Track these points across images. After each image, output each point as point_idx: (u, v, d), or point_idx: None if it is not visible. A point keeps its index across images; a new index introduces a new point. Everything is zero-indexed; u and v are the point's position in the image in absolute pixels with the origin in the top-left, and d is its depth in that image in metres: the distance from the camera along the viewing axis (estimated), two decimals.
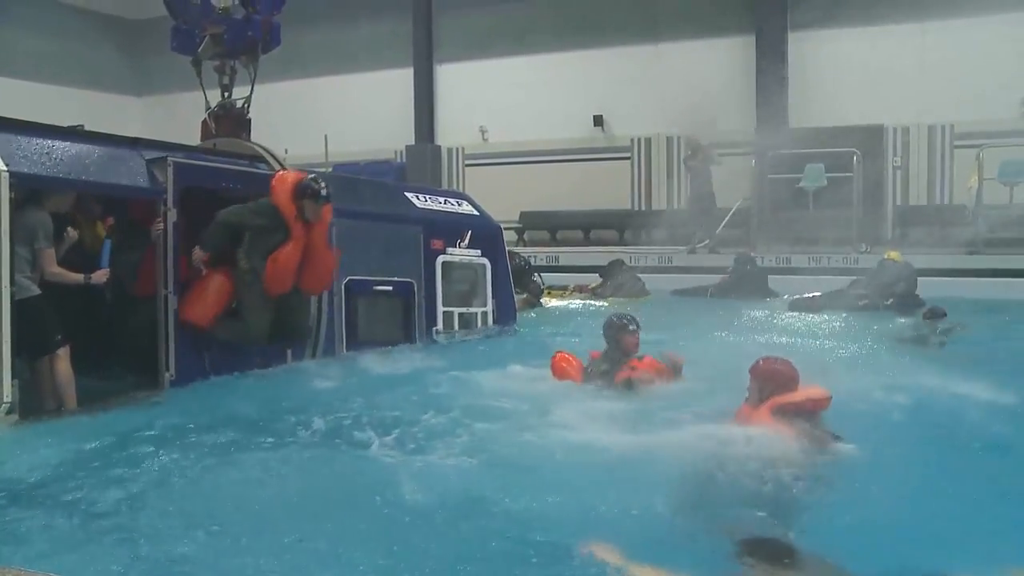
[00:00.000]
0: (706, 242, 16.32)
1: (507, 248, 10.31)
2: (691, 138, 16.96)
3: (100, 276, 6.45)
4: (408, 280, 8.53)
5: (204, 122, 8.36)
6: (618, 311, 6.98)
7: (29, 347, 6.27)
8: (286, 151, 21.78)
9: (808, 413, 5.02)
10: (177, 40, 8.28)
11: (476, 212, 9.81)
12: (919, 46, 16.39)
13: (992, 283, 13.48)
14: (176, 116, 20.38)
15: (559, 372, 6.71)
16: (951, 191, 16.71)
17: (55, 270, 6.20)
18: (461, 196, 10.09)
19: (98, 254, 6.55)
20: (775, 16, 17.57)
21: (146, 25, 22.79)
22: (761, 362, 5.27)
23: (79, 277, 6.36)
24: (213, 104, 8.40)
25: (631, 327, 6.56)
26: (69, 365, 6.32)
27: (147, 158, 6.87)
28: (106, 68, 23.76)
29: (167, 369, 6.73)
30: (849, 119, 16.53)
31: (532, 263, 14.64)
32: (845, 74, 16.71)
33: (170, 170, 6.72)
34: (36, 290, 6.12)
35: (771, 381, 5.15)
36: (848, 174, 15.58)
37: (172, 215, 6.71)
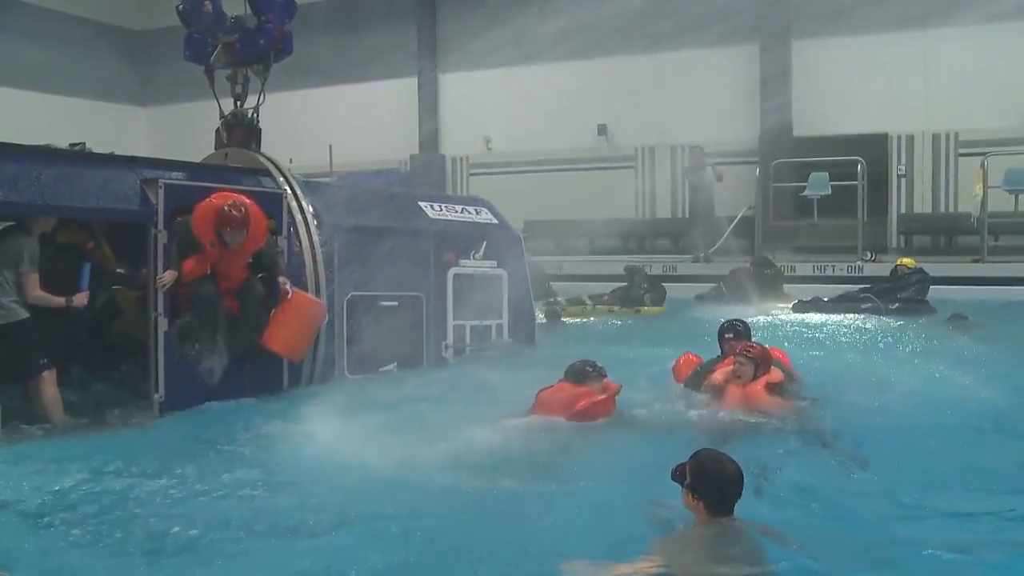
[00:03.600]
0: (711, 250, 16.31)
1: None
2: (695, 148, 17.01)
3: (81, 299, 6.44)
4: (416, 294, 8.29)
5: (217, 132, 8.34)
6: (731, 318, 7.21)
7: (15, 371, 6.29)
8: (291, 161, 21.93)
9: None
10: (190, 50, 8.27)
11: (495, 220, 9.47)
12: (923, 54, 16.41)
13: (997, 291, 13.45)
14: (182, 126, 20.44)
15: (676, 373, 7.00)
16: (955, 199, 16.69)
17: (38, 293, 6.21)
18: (480, 203, 9.73)
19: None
20: (779, 25, 17.63)
21: (151, 35, 22.89)
22: (756, 347, 6.45)
23: (61, 300, 6.35)
24: (226, 113, 8.37)
25: (727, 334, 6.94)
26: (55, 387, 6.30)
27: (142, 178, 6.75)
28: (111, 78, 23.82)
29: (156, 391, 6.60)
30: (853, 127, 16.59)
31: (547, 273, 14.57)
32: (849, 83, 16.72)
33: (161, 192, 6.60)
34: (23, 314, 6.15)
35: (764, 363, 6.28)
36: (852, 182, 15.58)
37: (163, 237, 6.62)
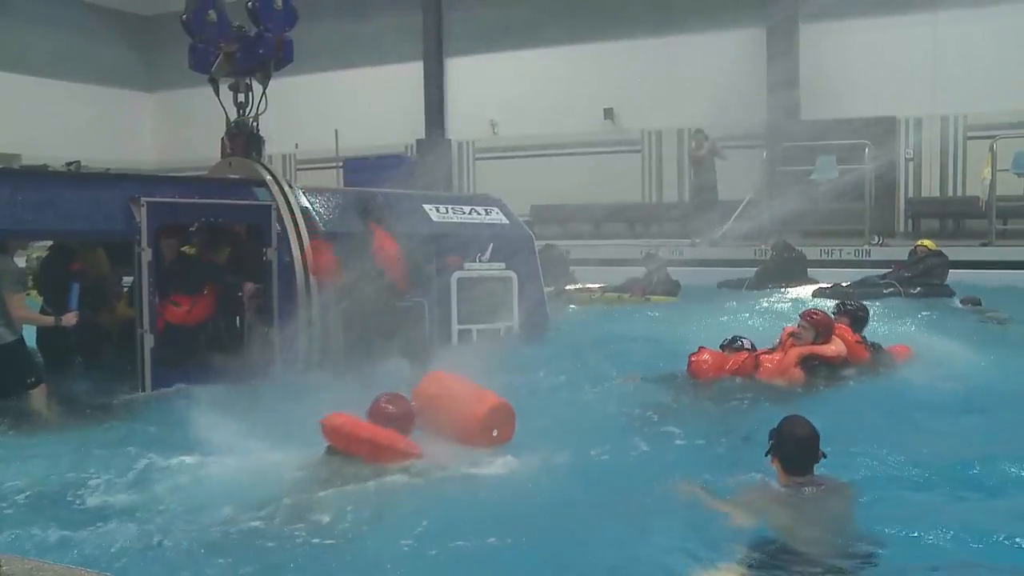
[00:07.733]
0: (719, 234, 16.24)
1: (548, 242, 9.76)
2: (698, 131, 16.90)
3: (70, 319, 6.50)
4: (417, 301, 8.08)
5: (223, 140, 8.37)
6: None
7: (3, 389, 6.34)
8: (296, 146, 21.95)
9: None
10: (194, 59, 8.31)
11: (506, 220, 9.28)
12: (931, 37, 16.25)
13: (1005, 275, 13.39)
14: (189, 112, 20.46)
15: None
16: (964, 183, 16.60)
17: (24, 314, 6.28)
18: (492, 203, 9.52)
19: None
20: (786, 7, 17.44)
21: (158, 21, 22.83)
22: (819, 314, 7.11)
23: (50, 320, 6.47)
24: (231, 120, 8.41)
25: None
26: (44, 403, 6.35)
27: (130, 197, 6.81)
28: (118, 64, 23.83)
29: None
30: (861, 111, 16.44)
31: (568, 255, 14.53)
32: (857, 65, 16.59)
33: (143, 210, 6.66)
34: (9, 337, 6.18)
35: (825, 330, 6.87)
36: (860, 166, 15.50)
37: (147, 255, 6.67)
